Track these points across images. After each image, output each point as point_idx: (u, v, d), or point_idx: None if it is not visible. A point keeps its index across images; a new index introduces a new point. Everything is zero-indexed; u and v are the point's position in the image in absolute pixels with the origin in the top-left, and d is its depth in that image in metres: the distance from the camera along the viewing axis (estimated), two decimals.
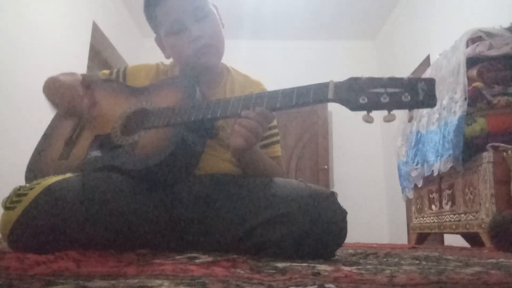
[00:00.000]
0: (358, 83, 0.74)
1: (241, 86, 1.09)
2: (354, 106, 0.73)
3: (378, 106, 0.72)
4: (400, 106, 0.71)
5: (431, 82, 0.71)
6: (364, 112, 0.74)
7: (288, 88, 0.82)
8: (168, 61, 1.15)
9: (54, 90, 1.00)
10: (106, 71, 1.15)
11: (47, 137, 1.04)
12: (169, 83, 1.00)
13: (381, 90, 0.72)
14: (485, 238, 1.73)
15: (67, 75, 1.05)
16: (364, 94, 0.73)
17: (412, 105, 0.71)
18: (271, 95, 0.83)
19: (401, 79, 0.72)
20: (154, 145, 0.86)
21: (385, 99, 0.71)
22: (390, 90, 0.71)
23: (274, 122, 1.10)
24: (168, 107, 0.91)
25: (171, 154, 0.82)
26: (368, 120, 0.73)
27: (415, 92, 0.70)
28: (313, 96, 0.78)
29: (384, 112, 0.73)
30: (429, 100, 0.70)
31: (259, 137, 0.85)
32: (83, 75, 1.13)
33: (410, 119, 0.76)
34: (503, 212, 1.51)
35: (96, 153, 0.91)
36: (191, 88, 0.93)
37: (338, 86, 0.76)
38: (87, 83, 1.09)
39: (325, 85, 0.78)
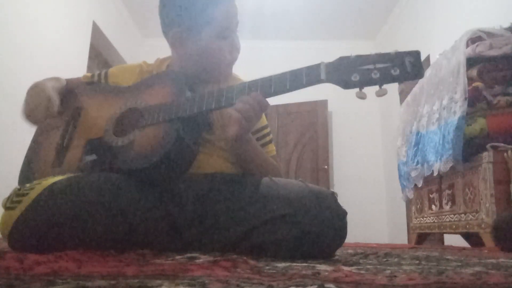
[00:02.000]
0: (348, 61, 0.77)
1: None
2: (347, 84, 0.76)
3: (370, 82, 0.75)
4: (391, 79, 0.74)
5: (416, 54, 0.74)
6: (357, 89, 0.76)
7: (280, 73, 0.83)
8: (151, 60, 1.14)
9: (34, 94, 0.98)
10: (88, 74, 1.13)
11: (36, 145, 1.02)
12: (157, 79, 0.98)
13: (371, 66, 0.75)
14: (485, 238, 1.73)
15: (50, 80, 1.04)
16: (355, 72, 0.75)
17: (401, 78, 0.74)
18: (264, 82, 0.84)
19: (389, 54, 0.75)
20: (151, 143, 0.85)
21: (375, 75, 0.74)
22: (379, 65, 0.75)
23: (265, 122, 1.10)
24: (160, 103, 0.89)
25: (169, 151, 0.82)
26: (362, 96, 0.76)
27: (403, 65, 0.73)
28: (306, 79, 0.79)
29: (376, 88, 0.76)
30: (417, 71, 0.73)
31: (253, 123, 0.86)
32: (67, 80, 1.11)
33: (402, 91, 0.79)
34: (505, 211, 1.51)
35: (91, 157, 0.90)
36: (180, 83, 0.92)
37: (330, 66, 0.78)
38: (70, 87, 1.08)
39: (316, 66, 0.79)
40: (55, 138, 0.99)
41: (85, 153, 0.92)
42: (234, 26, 1.02)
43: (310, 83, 0.79)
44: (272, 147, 1.10)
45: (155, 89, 0.95)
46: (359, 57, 0.76)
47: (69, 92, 1.08)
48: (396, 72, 0.73)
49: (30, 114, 0.96)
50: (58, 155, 0.95)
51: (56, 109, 0.96)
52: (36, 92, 0.97)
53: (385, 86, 0.75)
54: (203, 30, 0.99)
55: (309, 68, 0.80)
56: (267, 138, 1.10)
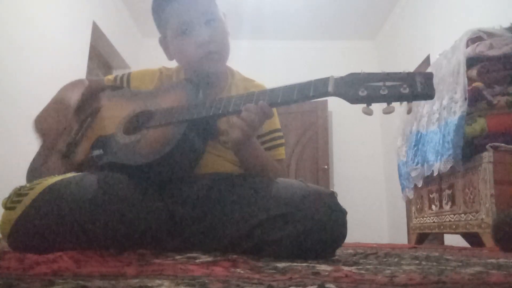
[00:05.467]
0: (357, 77, 0.76)
1: (246, 90, 1.09)
2: (353, 99, 0.75)
3: (377, 99, 0.73)
4: (399, 98, 0.72)
5: (429, 76, 0.72)
6: (364, 105, 0.75)
7: (289, 84, 0.83)
8: (171, 65, 1.15)
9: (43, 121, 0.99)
10: (111, 77, 1.16)
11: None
12: (172, 86, 1.01)
13: (380, 83, 0.73)
14: (485, 238, 1.73)
15: (74, 89, 1.06)
16: (363, 87, 0.74)
17: (410, 97, 0.72)
18: (273, 92, 0.85)
19: (400, 73, 0.73)
20: (156, 142, 0.87)
21: (384, 91, 0.72)
22: (388, 83, 0.73)
23: (278, 125, 1.10)
24: (170, 107, 0.92)
25: (172, 150, 0.82)
26: (368, 112, 0.75)
27: (414, 85, 0.71)
28: (314, 90, 0.79)
29: (384, 105, 0.74)
30: (428, 92, 0.71)
31: (256, 130, 0.86)
32: (89, 80, 1.14)
33: (409, 111, 0.77)
34: (505, 211, 1.50)
35: (98, 151, 0.92)
36: (194, 91, 0.94)
37: (338, 80, 0.78)
38: (93, 89, 1.11)
39: (325, 80, 0.79)
40: (70, 134, 1.02)
41: (93, 147, 0.95)
42: (195, 19, 0.99)
43: (317, 95, 0.79)
44: (281, 151, 1.09)
45: (169, 95, 0.98)
46: (369, 74, 0.75)
47: (91, 93, 1.11)
48: (405, 90, 0.71)
49: (42, 127, 0.97)
50: (68, 148, 0.98)
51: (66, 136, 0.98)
52: (56, 110, 0.98)
53: (393, 104, 0.73)
54: (167, 30, 1.03)
55: (317, 81, 0.80)
56: (277, 142, 1.09)
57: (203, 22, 0.99)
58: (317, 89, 0.79)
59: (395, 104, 0.74)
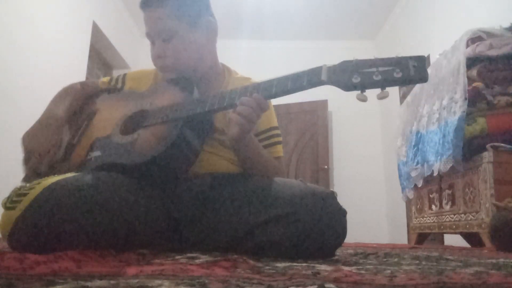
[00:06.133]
0: (350, 64, 0.76)
1: None
2: (347, 86, 0.75)
3: (371, 84, 0.73)
4: (393, 82, 0.72)
5: (421, 59, 0.72)
6: (358, 91, 0.75)
7: (283, 76, 0.84)
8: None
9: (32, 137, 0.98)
10: (106, 79, 1.16)
11: None
12: (167, 85, 1.01)
13: (373, 69, 0.73)
14: (485, 238, 1.73)
15: (62, 102, 1.06)
16: (356, 74, 0.74)
17: (404, 81, 0.72)
18: (266, 84, 0.85)
19: (392, 58, 0.74)
20: (153, 140, 0.87)
21: (377, 77, 0.73)
22: (381, 68, 0.73)
23: (275, 123, 1.10)
24: (166, 105, 0.92)
25: (169, 148, 0.83)
26: (362, 98, 0.75)
27: (407, 69, 0.71)
28: (307, 80, 0.79)
29: (378, 91, 0.74)
30: (421, 75, 0.71)
31: (253, 124, 0.86)
32: (82, 84, 1.14)
33: (403, 95, 0.77)
34: (503, 211, 1.51)
35: (96, 153, 0.92)
36: (189, 88, 0.94)
37: (331, 68, 0.78)
38: (87, 92, 1.11)
39: (318, 69, 0.80)
40: (67, 136, 1.02)
41: (90, 149, 0.95)
42: (154, 34, 1.00)
43: (311, 84, 0.79)
44: (279, 148, 1.10)
45: (164, 93, 0.98)
46: (362, 60, 0.76)
47: (85, 97, 1.11)
48: (398, 74, 0.71)
49: (30, 144, 0.96)
50: (66, 151, 0.98)
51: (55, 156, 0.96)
52: (46, 127, 0.98)
53: (387, 89, 0.74)
54: None
55: (310, 70, 0.80)
56: (275, 139, 1.09)
57: (161, 39, 1.00)
58: (311, 78, 0.79)
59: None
